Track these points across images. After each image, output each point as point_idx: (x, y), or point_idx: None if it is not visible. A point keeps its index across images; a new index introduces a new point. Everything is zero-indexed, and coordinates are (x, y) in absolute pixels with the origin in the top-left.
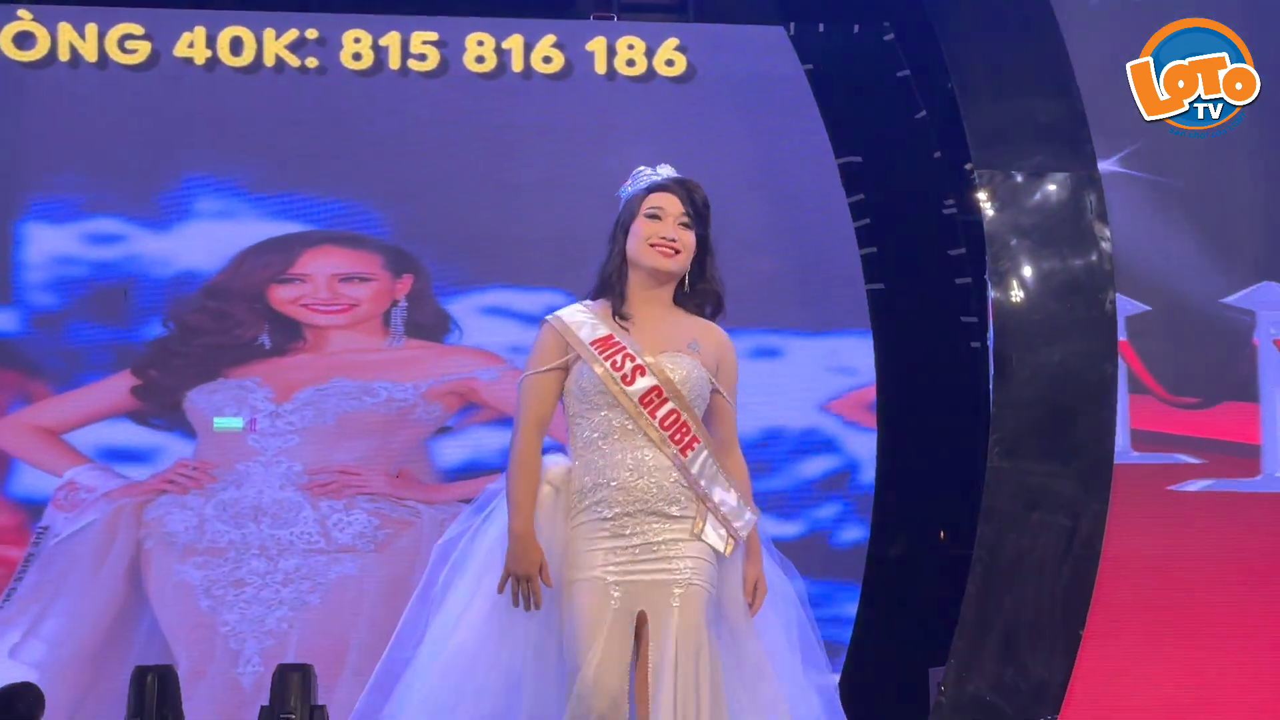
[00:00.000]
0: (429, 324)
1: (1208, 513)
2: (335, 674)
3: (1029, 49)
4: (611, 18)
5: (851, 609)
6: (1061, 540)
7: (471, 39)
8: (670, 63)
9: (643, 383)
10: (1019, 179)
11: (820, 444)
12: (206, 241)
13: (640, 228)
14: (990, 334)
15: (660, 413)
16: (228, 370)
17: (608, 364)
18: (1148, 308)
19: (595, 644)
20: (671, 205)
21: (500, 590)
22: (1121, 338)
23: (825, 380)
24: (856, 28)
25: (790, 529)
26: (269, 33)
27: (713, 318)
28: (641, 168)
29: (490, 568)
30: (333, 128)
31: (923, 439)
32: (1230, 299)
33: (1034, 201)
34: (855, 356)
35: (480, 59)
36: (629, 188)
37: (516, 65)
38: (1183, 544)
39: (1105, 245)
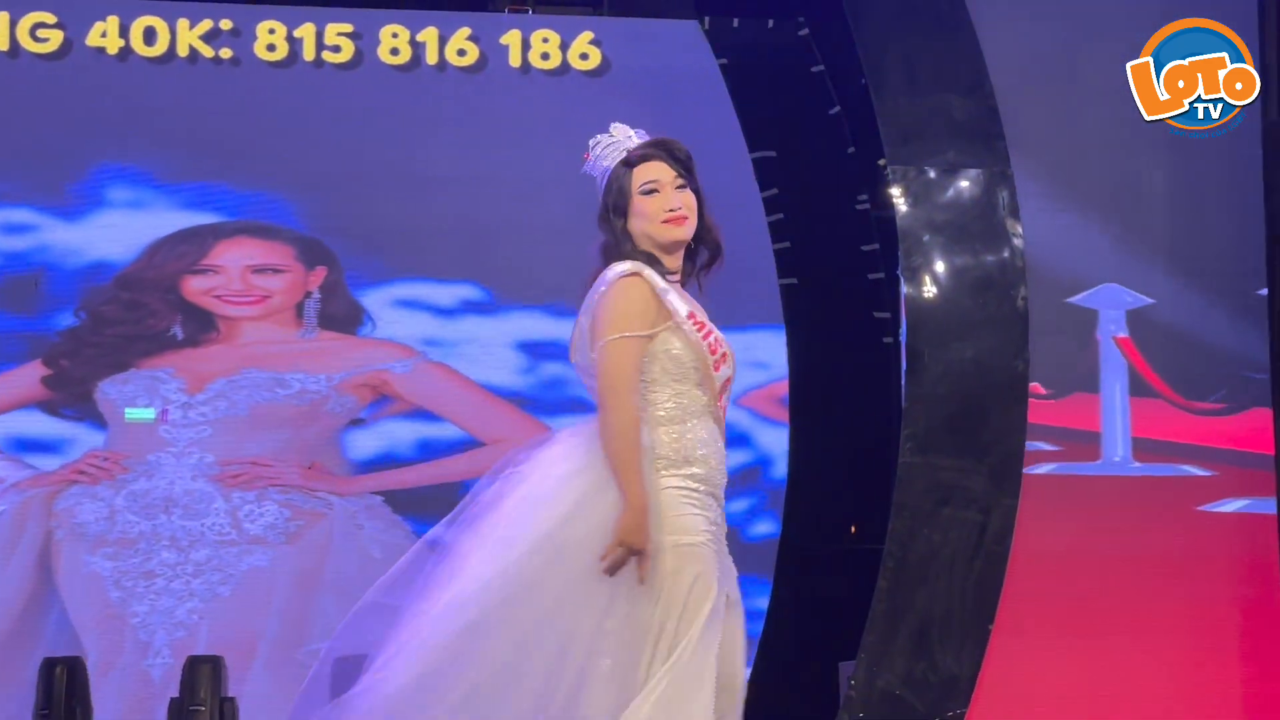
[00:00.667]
0: (342, 316)
1: (1056, 494)
2: (245, 666)
3: (943, 45)
4: (526, 11)
5: (762, 603)
6: (972, 536)
7: (386, 31)
8: (585, 56)
9: (724, 371)
10: (932, 175)
11: (732, 438)
12: (119, 232)
13: (644, 207)
14: (903, 330)
15: (724, 400)
16: (140, 361)
17: (705, 343)
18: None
19: (717, 615)
20: (663, 173)
21: (611, 568)
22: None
23: (738, 375)
24: (771, 23)
25: None
26: (182, 23)
27: (710, 264)
28: (599, 137)
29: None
30: (247, 119)
31: (835, 434)
32: (1075, 299)
33: (947, 198)
34: (768, 351)
35: (395, 51)
36: (602, 162)
37: (431, 58)
38: (1092, 538)
39: (1017, 242)
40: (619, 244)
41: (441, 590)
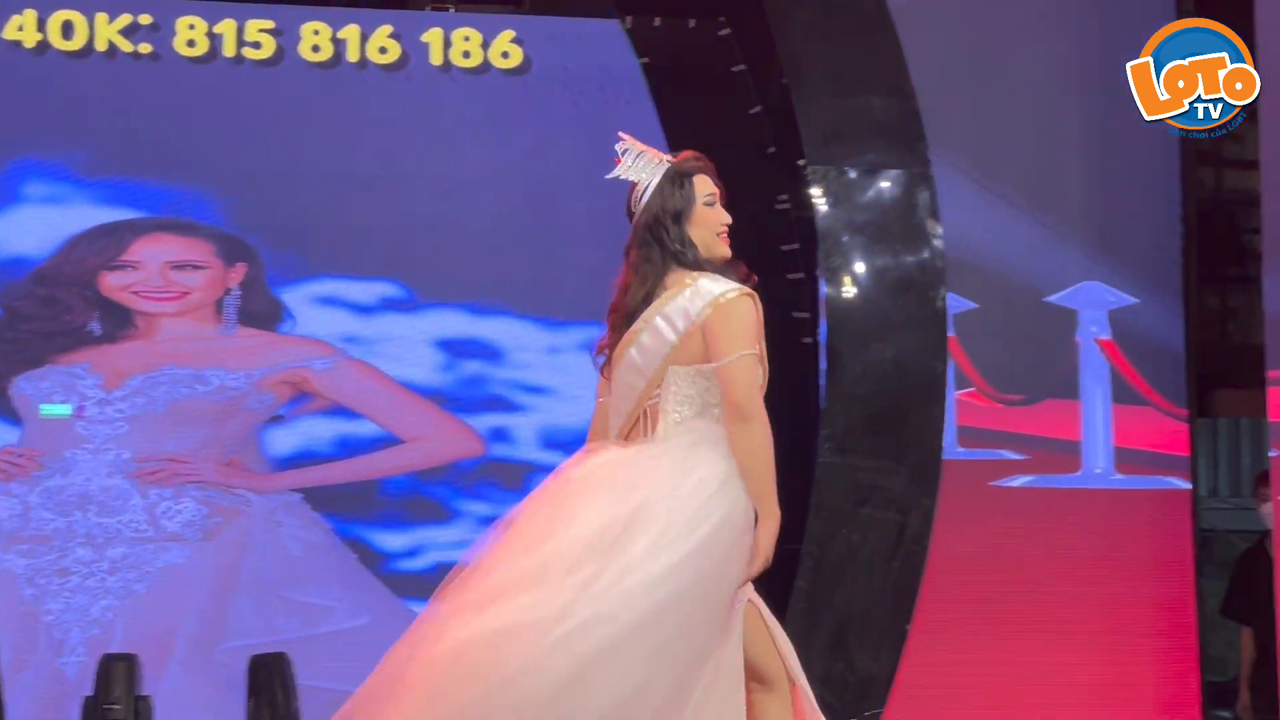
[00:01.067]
0: (262, 312)
1: (1031, 507)
2: (162, 664)
3: (864, 46)
4: (448, 9)
5: None
6: (891, 536)
7: (307, 28)
8: (506, 55)
9: None
10: (852, 175)
11: None
12: (36, 227)
13: (706, 217)
14: (822, 330)
15: None
16: (56, 357)
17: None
18: (975, 305)
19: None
20: (716, 186)
21: (747, 580)
22: (949, 334)
23: None
24: (692, 22)
25: None
26: (101, 17)
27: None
28: (627, 143)
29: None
30: (166, 114)
31: None
32: (1053, 298)
33: (867, 198)
34: None
35: (316, 48)
36: (650, 173)
37: (352, 55)
38: (1006, 538)
39: (937, 243)
40: (682, 251)
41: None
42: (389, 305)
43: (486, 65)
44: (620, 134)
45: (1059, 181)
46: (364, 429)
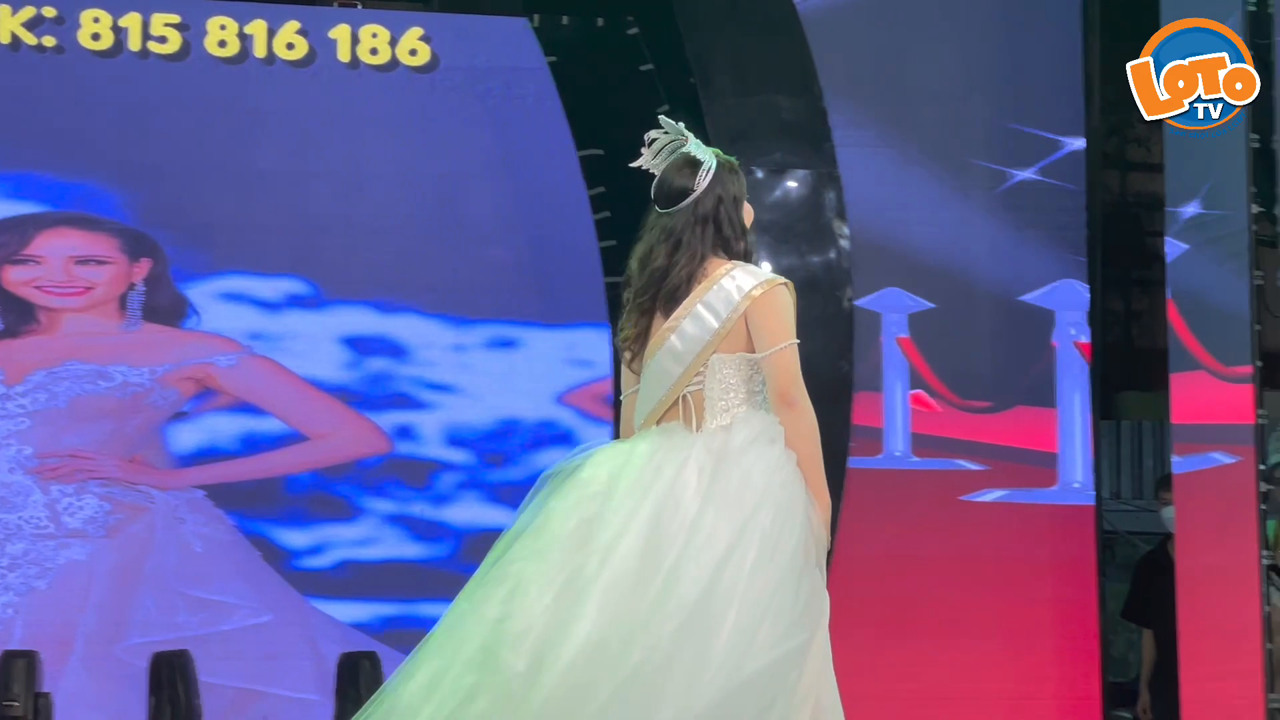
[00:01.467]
0: (166, 308)
1: (934, 508)
2: (61, 661)
3: (772, 46)
4: (356, 5)
5: None
6: None
7: (214, 23)
8: (414, 52)
9: None
10: (760, 175)
11: (556, 436)
12: None
13: (749, 212)
14: None
15: None
16: None
17: None
18: (932, 305)
19: None
20: None
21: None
22: (903, 335)
23: (562, 372)
24: (601, 21)
25: None
26: (4, 9)
27: None
28: (669, 130)
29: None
30: (71, 108)
31: None
32: (1028, 296)
33: (774, 198)
34: (592, 349)
35: (222, 43)
36: (711, 160)
37: (259, 51)
38: (907, 540)
39: (844, 243)
40: (737, 238)
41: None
42: (295, 302)
43: (394, 62)
44: (665, 120)
45: (966, 185)
46: (269, 426)
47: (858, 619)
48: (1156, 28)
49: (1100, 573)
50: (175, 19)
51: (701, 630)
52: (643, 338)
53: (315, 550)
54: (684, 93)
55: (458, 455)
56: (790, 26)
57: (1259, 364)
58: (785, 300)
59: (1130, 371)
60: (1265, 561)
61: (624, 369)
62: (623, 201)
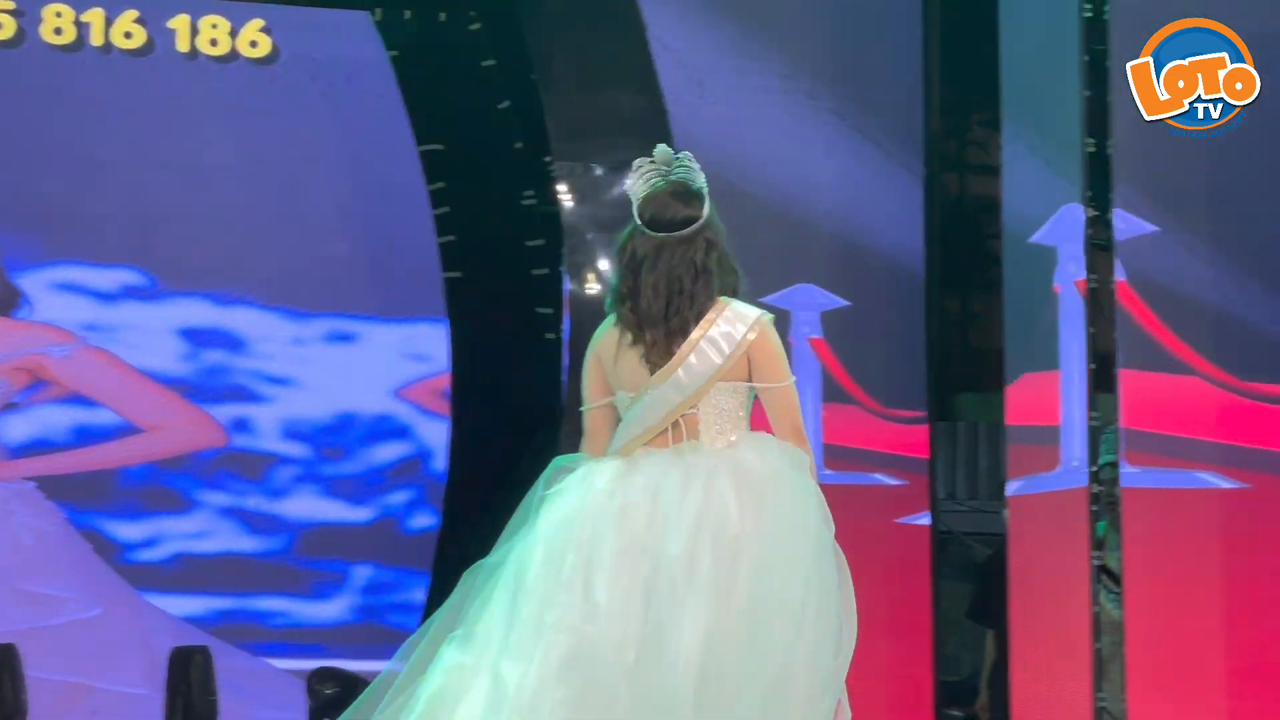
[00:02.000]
0: None
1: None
2: None
3: (614, 43)
4: None
5: (420, 596)
6: None
7: (50, 10)
8: (254, 44)
9: None
10: (599, 172)
11: (393, 430)
12: None
13: None
14: (566, 326)
15: None
16: None
17: None
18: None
19: None
20: None
21: None
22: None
23: (400, 366)
24: (443, 16)
25: (361, 514)
26: None
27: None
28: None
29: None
30: None
31: (496, 428)
32: (768, 298)
33: (613, 195)
34: (430, 344)
35: (59, 30)
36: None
37: (96, 39)
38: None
39: None
40: (733, 274)
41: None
42: (131, 293)
43: (234, 54)
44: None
45: (808, 181)
46: (102, 417)
47: None
48: (995, 31)
49: (934, 573)
50: (10, 5)
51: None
52: (645, 358)
53: (148, 543)
54: (525, 89)
55: (294, 449)
56: (631, 22)
57: (1093, 366)
58: (778, 337)
59: (967, 373)
60: (1095, 562)
61: (593, 381)
62: (462, 197)
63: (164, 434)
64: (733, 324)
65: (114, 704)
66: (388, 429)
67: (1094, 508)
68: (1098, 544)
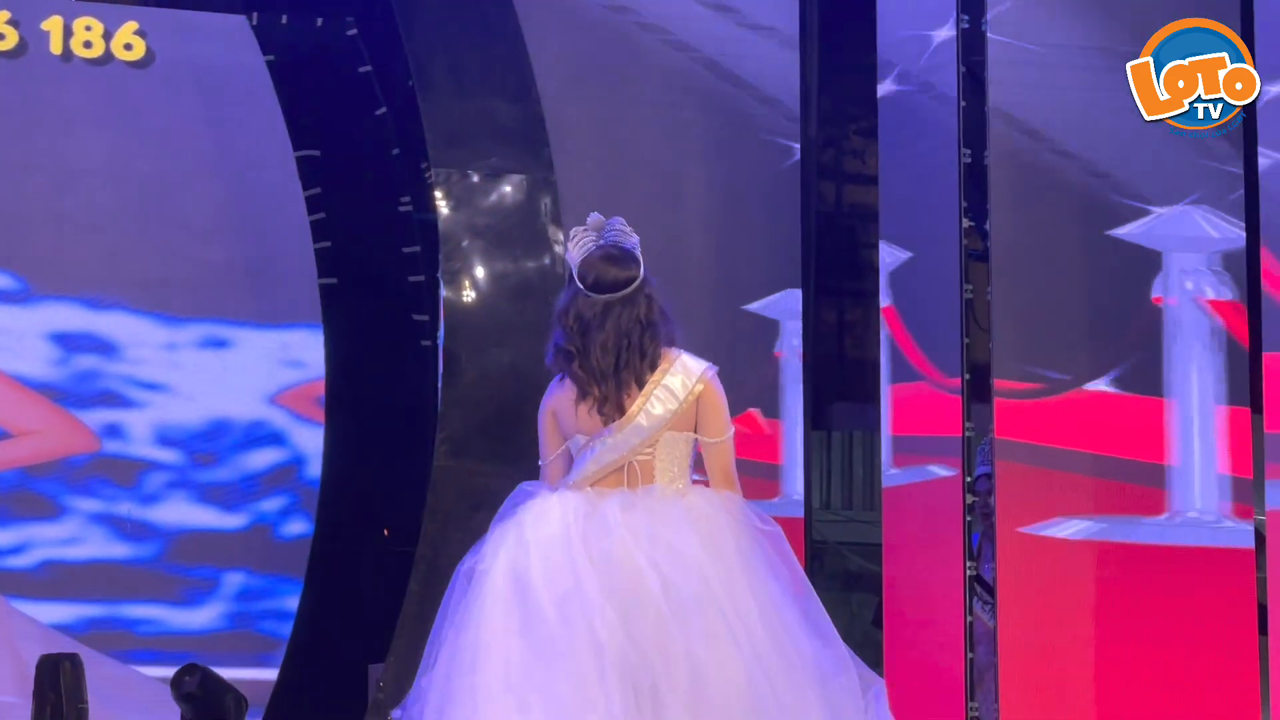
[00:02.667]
0: None
1: None
2: None
3: (491, 50)
4: None
5: (293, 603)
6: None
7: None
8: (129, 46)
9: None
10: (475, 179)
11: (267, 436)
12: None
13: None
14: (441, 333)
15: None
16: None
17: None
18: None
19: None
20: None
21: None
22: None
23: (274, 373)
24: (320, 20)
25: (234, 521)
26: None
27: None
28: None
29: None
30: None
31: (371, 435)
32: (753, 306)
33: (489, 202)
34: (305, 350)
35: None
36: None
37: None
38: None
39: (558, 249)
40: (670, 324)
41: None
42: (1, 297)
43: (108, 56)
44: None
45: (681, 192)
46: None
47: None
48: (874, 38)
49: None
50: None
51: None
52: (599, 410)
53: (17, 550)
54: (402, 95)
55: (167, 455)
56: (510, 30)
57: (967, 376)
58: (722, 389)
59: (842, 382)
60: (969, 573)
61: (549, 435)
62: (338, 203)
63: (34, 439)
64: (683, 375)
65: None
66: (262, 435)
67: (968, 518)
68: (971, 554)
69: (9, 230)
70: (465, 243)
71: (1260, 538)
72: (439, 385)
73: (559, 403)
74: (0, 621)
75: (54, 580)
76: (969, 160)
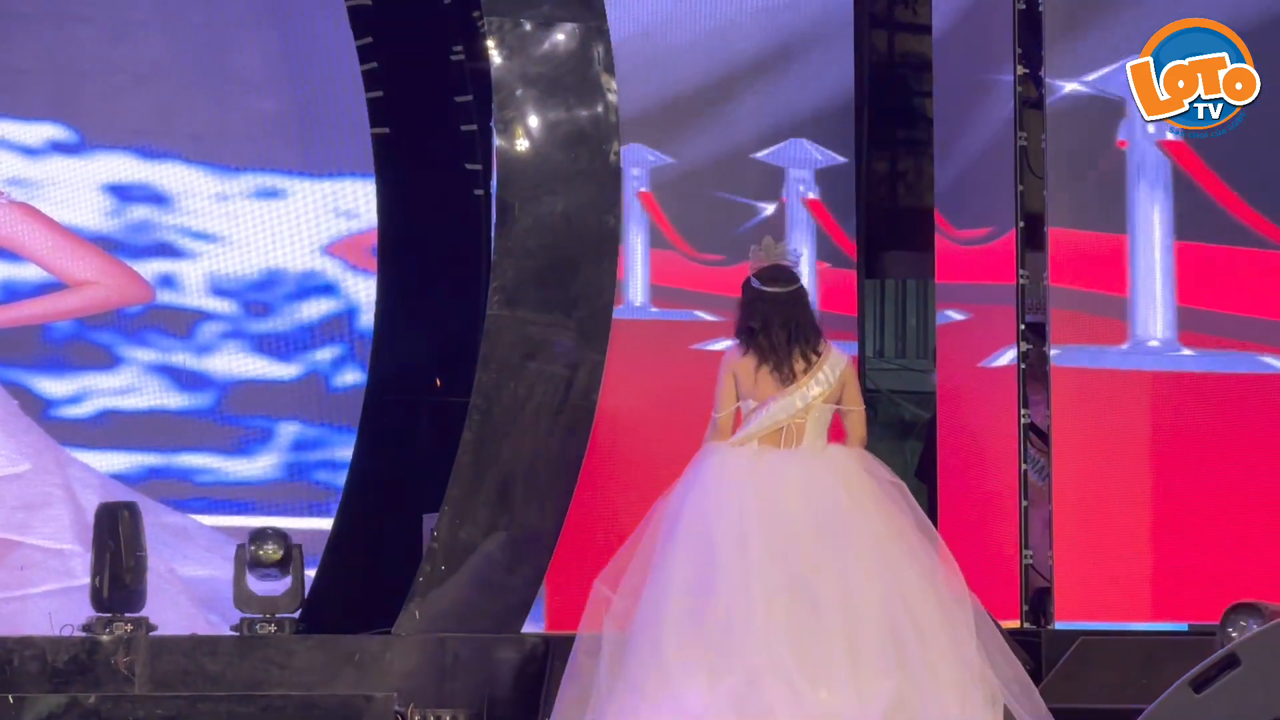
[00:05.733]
0: None
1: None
2: None
3: None
4: None
5: (347, 453)
6: (559, 391)
7: None
8: None
9: None
10: (527, 28)
11: (321, 287)
12: None
13: None
14: (494, 182)
15: None
16: None
17: None
18: (671, 159)
19: None
20: None
21: None
22: (644, 188)
23: (327, 223)
24: None
25: (288, 371)
26: None
27: None
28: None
29: None
30: None
31: (424, 285)
32: (760, 154)
33: (542, 51)
34: (357, 200)
35: None
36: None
37: None
38: (676, 397)
39: (611, 97)
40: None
41: None
42: (56, 148)
43: None
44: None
45: (734, 42)
46: (28, 273)
47: (619, 473)
48: None
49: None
50: None
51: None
52: (776, 371)
53: (74, 400)
54: None
55: (221, 305)
56: None
57: (1021, 224)
58: (855, 370)
59: (895, 231)
60: (1023, 420)
61: (727, 392)
62: (390, 53)
63: (90, 290)
64: (836, 360)
65: (41, 558)
66: (315, 286)
67: (1022, 366)
68: (1024, 402)
69: (62, 81)
70: (519, 91)
71: None
72: (492, 235)
73: (740, 368)
74: (59, 470)
75: (111, 429)
76: (1023, 8)
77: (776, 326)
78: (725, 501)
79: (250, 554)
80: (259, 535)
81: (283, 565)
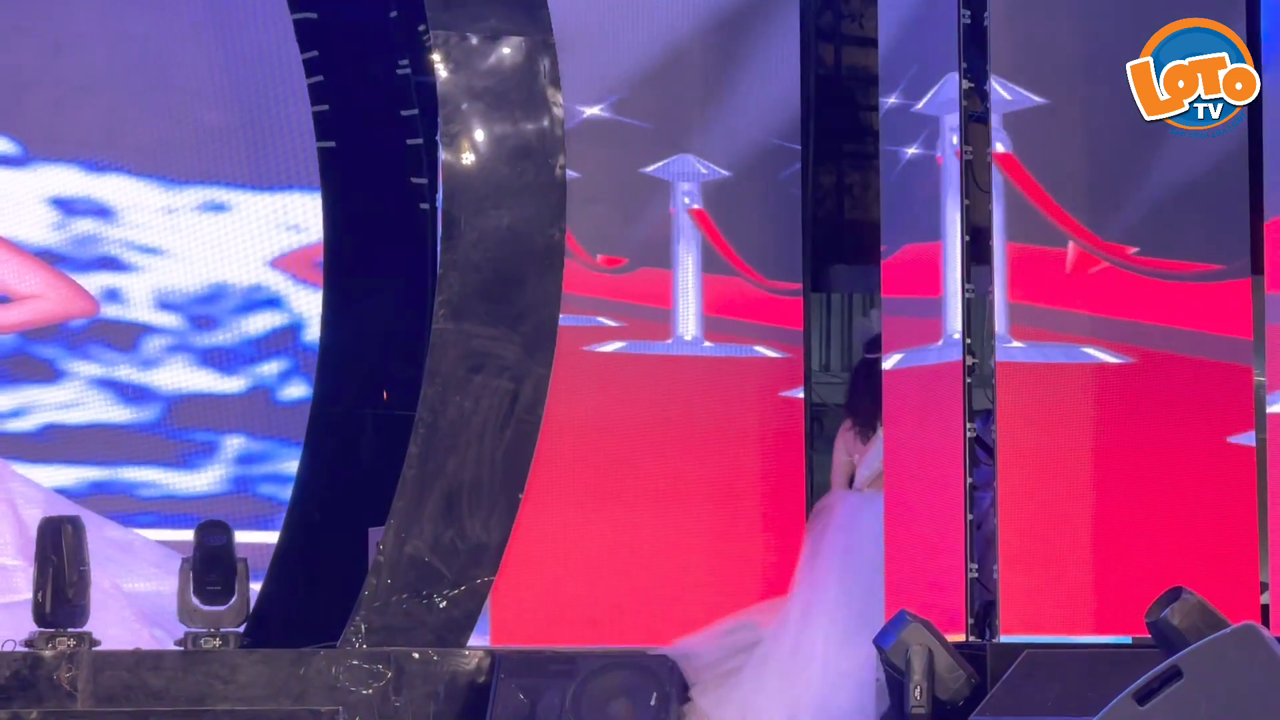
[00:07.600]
0: None
1: (625, 374)
2: None
3: None
4: None
5: (292, 467)
6: (504, 404)
7: None
8: None
9: None
10: (473, 41)
11: (266, 301)
12: None
13: None
14: (439, 196)
15: None
16: None
17: None
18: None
19: None
20: None
21: None
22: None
23: (273, 236)
24: None
25: (233, 385)
26: None
27: None
28: None
29: None
30: None
31: (370, 299)
32: (649, 169)
33: (488, 64)
34: (303, 214)
35: None
36: None
37: None
38: (610, 407)
39: (557, 110)
40: None
41: None
42: None
43: None
44: None
45: (681, 57)
46: None
47: (565, 485)
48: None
49: (808, 444)
50: None
51: None
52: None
53: (17, 413)
54: None
55: (166, 319)
56: None
57: (967, 238)
58: None
59: (841, 244)
60: (969, 435)
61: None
62: (336, 66)
63: (33, 303)
64: None
65: None
66: (261, 299)
67: (968, 380)
68: (970, 416)
69: (5, 93)
70: (464, 105)
71: None
72: (438, 248)
73: (844, 434)
74: (1, 485)
75: (54, 443)
76: (968, 22)
77: (867, 401)
78: (842, 534)
79: (197, 540)
80: (207, 524)
81: (227, 554)
